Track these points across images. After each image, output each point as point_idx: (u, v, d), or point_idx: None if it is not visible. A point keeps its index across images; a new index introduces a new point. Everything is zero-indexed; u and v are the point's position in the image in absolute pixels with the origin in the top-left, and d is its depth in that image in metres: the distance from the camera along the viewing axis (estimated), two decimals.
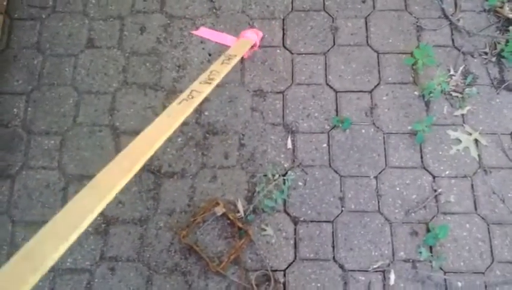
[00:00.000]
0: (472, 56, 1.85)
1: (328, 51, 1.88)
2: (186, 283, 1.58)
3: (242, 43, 1.73)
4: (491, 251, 1.59)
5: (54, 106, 1.83)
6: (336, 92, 1.82)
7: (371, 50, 1.88)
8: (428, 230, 1.61)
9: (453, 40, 1.88)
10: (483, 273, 1.57)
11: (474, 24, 1.90)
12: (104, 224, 1.66)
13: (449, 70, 1.83)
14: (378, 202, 1.66)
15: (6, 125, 1.80)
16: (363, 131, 1.76)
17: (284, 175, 1.70)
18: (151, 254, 1.62)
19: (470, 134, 1.73)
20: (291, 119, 1.78)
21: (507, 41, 1.83)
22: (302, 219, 1.65)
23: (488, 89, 1.80)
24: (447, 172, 1.69)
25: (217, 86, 1.45)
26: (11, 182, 1.72)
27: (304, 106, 1.80)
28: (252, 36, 1.77)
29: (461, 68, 1.83)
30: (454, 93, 1.79)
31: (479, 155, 1.71)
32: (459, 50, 1.86)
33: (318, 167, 1.72)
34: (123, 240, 1.64)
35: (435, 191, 1.67)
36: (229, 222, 1.64)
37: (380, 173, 1.70)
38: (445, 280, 1.56)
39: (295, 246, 1.62)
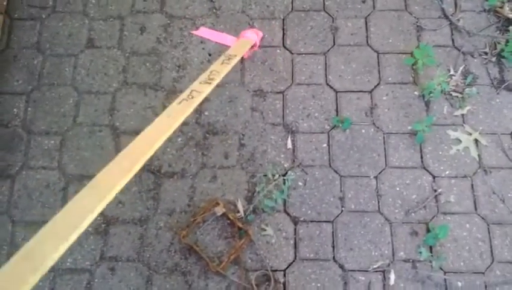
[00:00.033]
0: (472, 56, 1.85)
1: (328, 51, 1.88)
2: (186, 283, 1.58)
3: (242, 43, 1.73)
4: (491, 251, 1.59)
5: (54, 106, 1.83)
6: (336, 92, 1.82)
7: (371, 50, 1.88)
8: (428, 230, 1.62)
9: (453, 40, 1.88)
10: (483, 273, 1.57)
11: (474, 24, 1.90)
12: (104, 224, 1.66)
13: (449, 70, 1.83)
14: (378, 202, 1.66)
15: (6, 125, 1.80)
16: (363, 131, 1.76)
17: (284, 175, 1.70)
18: (151, 254, 1.62)
19: (470, 134, 1.73)
20: (291, 119, 1.78)
21: (507, 41, 1.83)
22: (302, 219, 1.65)
23: (488, 89, 1.80)
24: (447, 172, 1.69)
25: (217, 86, 1.45)
26: (11, 182, 1.72)
27: (304, 106, 1.80)
28: (252, 36, 1.77)
29: (461, 68, 1.83)
30: (454, 93, 1.79)
31: (479, 155, 1.71)
32: (459, 50, 1.86)
33: (318, 167, 1.72)
34: (123, 240, 1.64)
35: (435, 191, 1.67)
36: (229, 222, 1.64)
37: (380, 173, 1.70)
38: (445, 280, 1.56)
39: (295, 246, 1.62)
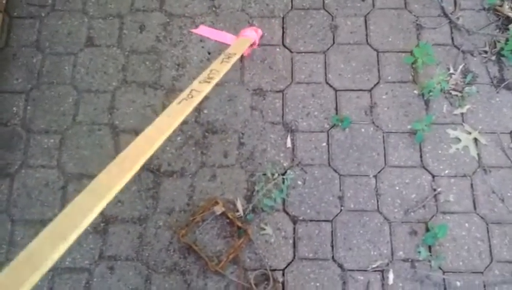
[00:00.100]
0: (472, 55, 1.85)
1: (328, 49, 1.88)
2: (185, 282, 1.58)
3: (241, 42, 1.73)
4: (490, 251, 1.59)
5: (53, 104, 1.82)
6: (336, 90, 1.82)
7: (371, 49, 1.87)
8: (427, 229, 1.62)
9: (452, 39, 1.88)
10: (482, 272, 1.57)
11: (474, 22, 1.90)
12: (103, 223, 1.66)
13: (449, 69, 1.82)
14: (378, 201, 1.67)
15: (6, 124, 1.80)
16: (363, 130, 1.76)
17: (283, 174, 1.70)
18: (150, 253, 1.62)
19: (470, 133, 1.73)
20: (290, 118, 1.78)
21: (507, 39, 1.83)
22: (301, 218, 1.65)
23: (487, 87, 1.80)
24: (447, 171, 1.69)
25: (217, 84, 1.45)
26: (10, 180, 1.72)
27: (303, 105, 1.80)
28: (252, 34, 1.77)
29: (461, 67, 1.83)
30: (453, 92, 1.79)
31: (478, 154, 1.71)
32: (458, 49, 1.86)
33: (317, 166, 1.71)
34: (122, 239, 1.64)
35: (434, 190, 1.67)
36: (228, 221, 1.65)
37: (379, 172, 1.70)
38: (444, 279, 1.56)
39: (294, 245, 1.63)
